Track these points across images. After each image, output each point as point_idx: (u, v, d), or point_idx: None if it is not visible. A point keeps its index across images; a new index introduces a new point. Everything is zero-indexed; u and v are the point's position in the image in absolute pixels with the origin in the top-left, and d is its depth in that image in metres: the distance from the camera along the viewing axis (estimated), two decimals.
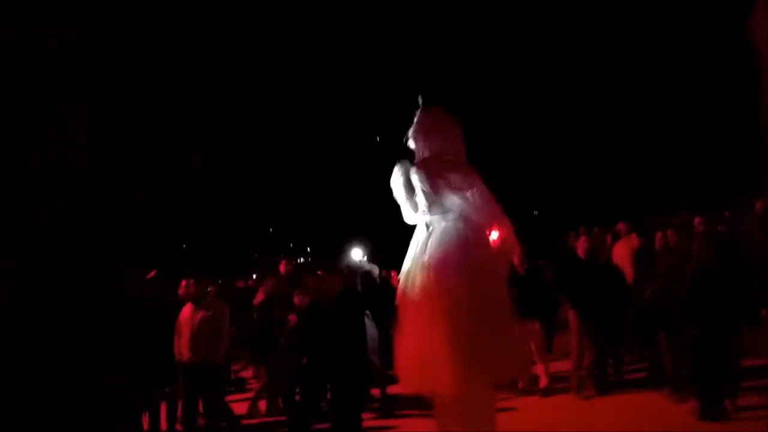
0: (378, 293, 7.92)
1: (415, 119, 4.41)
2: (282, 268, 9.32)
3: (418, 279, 4.02)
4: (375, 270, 8.83)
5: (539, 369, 7.46)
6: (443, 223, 4.11)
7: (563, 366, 7.74)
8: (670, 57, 18.65)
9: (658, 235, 7.45)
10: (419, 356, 3.91)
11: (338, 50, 22.54)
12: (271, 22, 21.48)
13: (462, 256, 3.98)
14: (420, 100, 4.43)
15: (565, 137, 21.01)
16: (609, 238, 9.66)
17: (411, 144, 4.40)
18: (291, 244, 32.78)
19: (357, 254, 13.99)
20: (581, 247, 7.66)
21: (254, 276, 11.29)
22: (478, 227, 4.11)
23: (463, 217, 4.10)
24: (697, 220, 7.17)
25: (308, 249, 31.47)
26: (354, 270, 7.32)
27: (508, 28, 20.63)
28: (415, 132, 4.37)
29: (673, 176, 18.42)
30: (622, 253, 8.42)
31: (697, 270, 6.01)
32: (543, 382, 7.45)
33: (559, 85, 20.35)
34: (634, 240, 8.33)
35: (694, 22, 16.82)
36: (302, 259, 25.32)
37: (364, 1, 21.42)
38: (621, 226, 9.58)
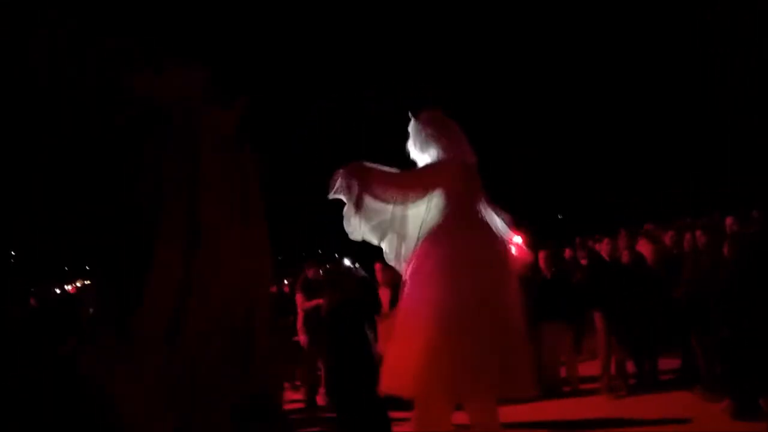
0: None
1: (416, 128, 4.27)
2: (310, 273, 8.98)
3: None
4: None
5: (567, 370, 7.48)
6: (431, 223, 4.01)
7: (592, 367, 7.77)
8: (692, 59, 18.56)
9: (687, 236, 7.47)
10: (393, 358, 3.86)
11: (338, 50, 22.54)
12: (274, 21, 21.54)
13: (438, 262, 3.85)
14: (411, 114, 4.30)
15: (594, 140, 20.96)
16: (638, 240, 9.64)
17: (415, 154, 4.27)
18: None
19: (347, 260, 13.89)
20: (604, 249, 7.71)
21: (285, 281, 11.25)
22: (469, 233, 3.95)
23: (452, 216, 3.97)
24: (728, 221, 7.17)
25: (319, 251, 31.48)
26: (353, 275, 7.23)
27: (527, 35, 20.66)
28: (421, 140, 4.23)
29: (702, 177, 18.30)
30: (650, 254, 8.42)
31: (730, 270, 6.03)
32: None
33: (588, 90, 20.31)
34: (662, 241, 8.34)
35: (712, 21, 16.76)
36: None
37: (365, 2, 21.50)
38: (649, 227, 9.59)
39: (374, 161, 4.14)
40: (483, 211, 4.07)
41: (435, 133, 4.19)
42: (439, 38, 21.32)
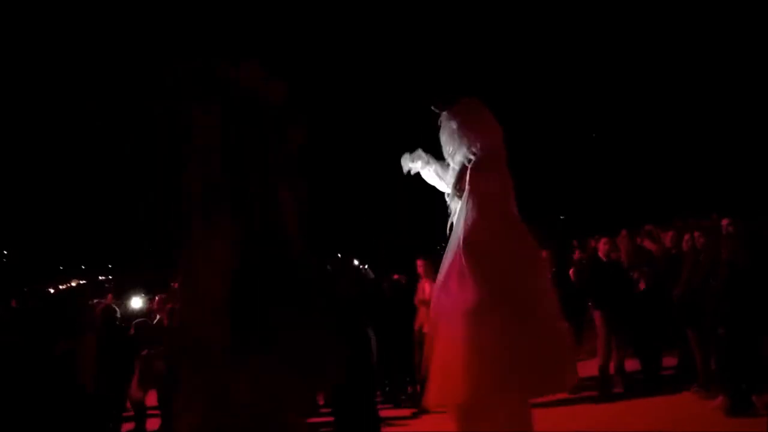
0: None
1: (447, 119, 4.18)
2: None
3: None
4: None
5: None
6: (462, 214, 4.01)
7: (591, 366, 7.89)
8: (698, 61, 18.59)
9: (686, 236, 7.60)
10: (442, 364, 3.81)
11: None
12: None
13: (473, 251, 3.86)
14: (437, 106, 4.23)
15: (592, 141, 21.00)
16: (638, 240, 9.76)
17: (446, 146, 4.20)
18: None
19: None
20: (602, 249, 7.82)
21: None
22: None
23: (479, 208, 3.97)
24: (725, 222, 7.29)
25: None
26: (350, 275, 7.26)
27: (525, 34, 20.70)
28: (450, 131, 4.15)
29: (700, 179, 18.34)
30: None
31: (727, 271, 6.16)
32: None
33: (591, 91, 20.33)
34: (661, 241, 8.47)
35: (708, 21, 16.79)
36: None
37: (379, 6, 21.48)
38: (649, 228, 9.72)
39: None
40: (515, 208, 4.09)
41: (465, 125, 4.12)
42: (439, 37, 21.34)
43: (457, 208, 4.14)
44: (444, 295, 3.97)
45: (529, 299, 3.82)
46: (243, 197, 3.09)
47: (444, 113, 4.24)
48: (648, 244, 8.98)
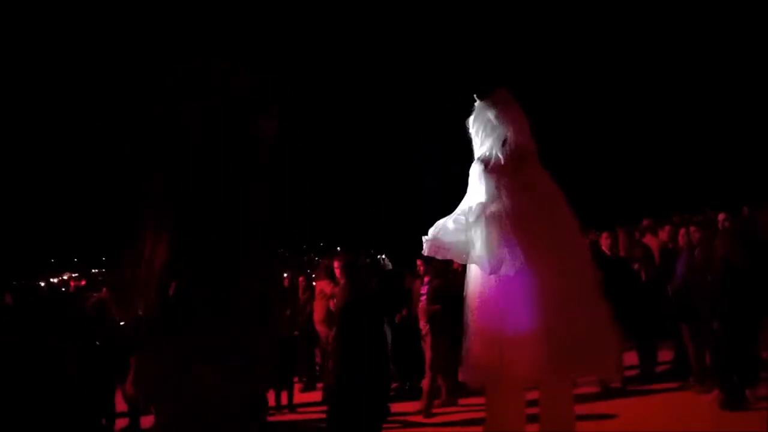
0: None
1: (481, 109, 4.33)
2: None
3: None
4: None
5: None
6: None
7: None
8: (693, 56, 18.63)
9: (682, 231, 7.63)
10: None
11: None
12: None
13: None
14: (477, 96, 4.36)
15: (590, 136, 21.04)
16: (636, 235, 9.80)
17: (474, 134, 4.35)
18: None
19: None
20: (604, 243, 7.84)
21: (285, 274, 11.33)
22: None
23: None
24: (721, 217, 7.33)
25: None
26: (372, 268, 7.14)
27: (527, 28, 20.67)
28: (482, 122, 4.30)
29: (697, 174, 18.41)
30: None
31: (722, 266, 6.19)
32: None
33: (588, 85, 20.36)
34: (658, 236, 8.51)
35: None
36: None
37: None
38: (646, 223, 9.76)
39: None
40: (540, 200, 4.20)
41: (501, 115, 4.27)
42: (438, 32, 21.29)
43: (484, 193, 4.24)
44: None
45: (580, 282, 4.09)
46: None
47: (481, 102, 4.37)
48: (648, 239, 9.02)
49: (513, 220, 4.06)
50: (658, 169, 19.90)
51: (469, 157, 4.45)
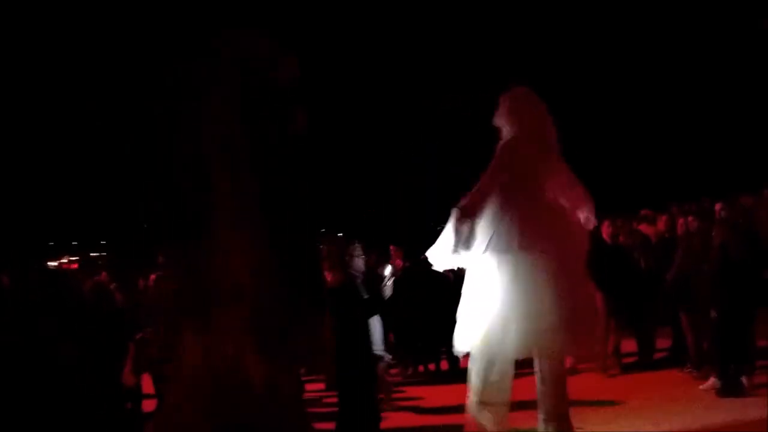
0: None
1: (502, 101, 4.75)
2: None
3: None
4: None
5: None
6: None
7: None
8: (693, 45, 18.62)
9: (680, 220, 7.71)
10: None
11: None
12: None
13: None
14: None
15: (590, 125, 21.03)
16: (634, 224, 9.87)
17: (498, 123, 4.73)
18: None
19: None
20: (605, 231, 7.91)
21: None
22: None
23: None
24: (717, 206, 7.41)
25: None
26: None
27: (529, 21, 20.59)
28: (503, 113, 4.71)
29: (695, 164, 18.47)
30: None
31: (720, 255, 6.28)
32: (569, 362, 7.70)
33: (591, 73, 20.30)
34: (657, 225, 8.59)
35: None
36: None
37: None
38: (645, 212, 9.85)
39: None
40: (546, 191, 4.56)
41: (511, 110, 4.69)
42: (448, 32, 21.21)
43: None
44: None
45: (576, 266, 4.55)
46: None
47: (501, 96, 4.80)
48: (644, 228, 9.08)
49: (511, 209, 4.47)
50: (657, 159, 19.93)
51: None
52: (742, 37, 15.97)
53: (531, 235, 4.38)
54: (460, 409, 4.92)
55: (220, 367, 2.85)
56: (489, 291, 4.47)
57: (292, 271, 2.92)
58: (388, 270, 7.22)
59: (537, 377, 4.58)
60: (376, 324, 6.63)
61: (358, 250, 5.74)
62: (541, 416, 4.54)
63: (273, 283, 2.91)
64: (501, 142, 4.68)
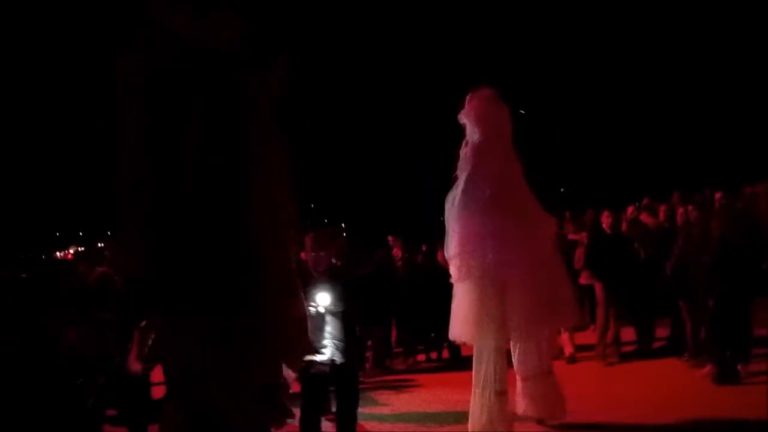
0: None
1: (466, 104, 5.03)
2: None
3: None
4: None
5: (564, 339, 7.84)
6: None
7: (587, 336, 8.15)
8: (694, 36, 18.55)
9: (680, 210, 7.76)
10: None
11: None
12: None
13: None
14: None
15: (591, 116, 21.02)
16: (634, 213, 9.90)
17: (464, 121, 5.04)
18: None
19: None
20: (605, 221, 7.96)
21: None
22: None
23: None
24: (717, 196, 7.44)
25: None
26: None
27: (519, 18, 20.54)
28: (466, 115, 5.01)
29: (695, 153, 18.46)
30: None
31: (719, 244, 6.33)
32: (568, 351, 7.81)
33: (587, 66, 20.26)
34: (657, 214, 8.63)
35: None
36: None
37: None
38: (645, 202, 9.89)
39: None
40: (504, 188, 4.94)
41: (468, 113, 5.02)
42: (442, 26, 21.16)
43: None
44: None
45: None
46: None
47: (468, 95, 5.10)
48: (645, 217, 9.12)
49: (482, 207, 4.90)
50: (659, 149, 19.91)
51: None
52: (745, 29, 15.88)
53: (477, 240, 4.84)
54: (461, 396, 5.03)
55: None
56: (459, 289, 5.02)
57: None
58: None
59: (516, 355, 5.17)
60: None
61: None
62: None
63: None
64: (465, 143, 5.02)
